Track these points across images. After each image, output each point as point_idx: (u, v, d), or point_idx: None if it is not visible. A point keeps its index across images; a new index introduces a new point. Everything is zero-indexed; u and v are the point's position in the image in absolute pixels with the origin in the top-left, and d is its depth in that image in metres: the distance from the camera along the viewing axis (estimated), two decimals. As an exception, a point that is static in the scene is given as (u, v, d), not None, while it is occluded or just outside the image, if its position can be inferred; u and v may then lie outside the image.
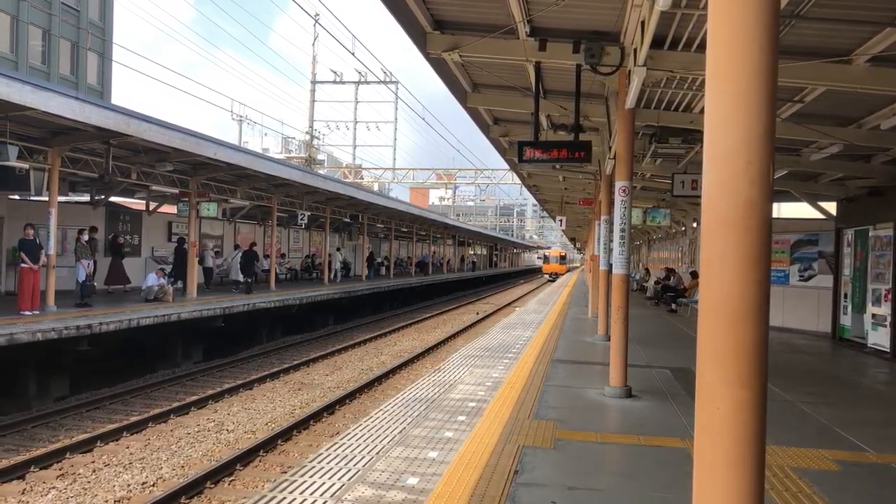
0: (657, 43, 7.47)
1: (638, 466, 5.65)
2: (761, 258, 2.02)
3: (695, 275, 19.87)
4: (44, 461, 8.80)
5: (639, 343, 12.30)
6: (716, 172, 2.07)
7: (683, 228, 25.26)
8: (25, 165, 12.85)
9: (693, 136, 11.07)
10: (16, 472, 8.38)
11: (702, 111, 9.44)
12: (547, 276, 72.02)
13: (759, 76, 2.01)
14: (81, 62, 38.15)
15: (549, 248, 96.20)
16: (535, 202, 49.34)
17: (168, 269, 19.89)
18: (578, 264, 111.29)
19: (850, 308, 14.02)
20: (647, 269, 33.25)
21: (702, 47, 7.49)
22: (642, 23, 6.78)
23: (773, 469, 5.35)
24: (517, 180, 33.15)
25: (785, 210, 20.32)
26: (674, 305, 21.08)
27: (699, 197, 2.11)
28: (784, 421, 7.12)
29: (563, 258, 77.60)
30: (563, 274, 71.44)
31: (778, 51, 2.04)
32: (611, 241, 10.86)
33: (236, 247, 24.38)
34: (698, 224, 20.37)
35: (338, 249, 33.87)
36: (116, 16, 41.23)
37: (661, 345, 13.38)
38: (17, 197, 16.41)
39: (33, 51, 35.05)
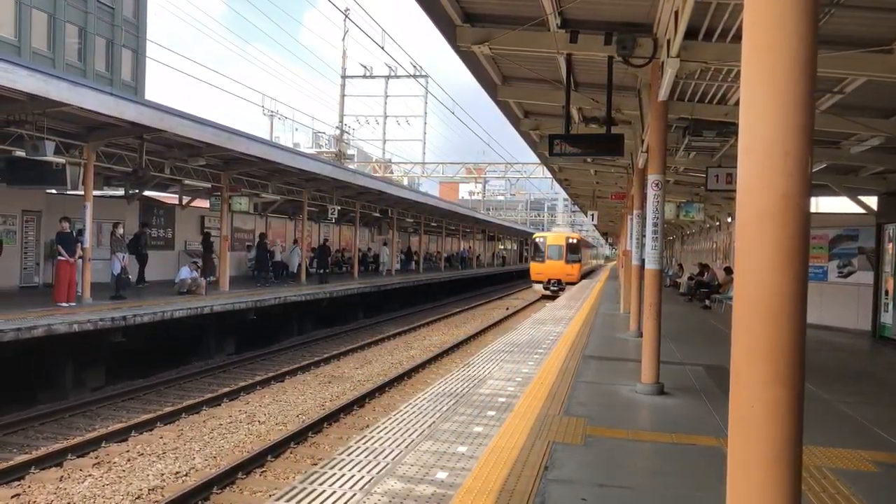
0: (691, 34, 7.34)
1: (670, 465, 5.57)
2: (798, 254, 1.96)
3: (729, 271, 19.58)
4: (81, 449, 8.98)
5: (672, 340, 12.15)
6: (751, 165, 2.01)
7: (718, 223, 24.90)
8: (62, 160, 13.10)
9: (728, 129, 10.87)
10: (54, 460, 8.57)
11: (737, 103, 9.26)
12: (541, 288, 38.12)
13: (796, 66, 1.95)
14: (116, 59, 38.74)
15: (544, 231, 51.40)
16: (567, 197, 48.87)
17: (200, 262, 20.15)
18: (604, 261, 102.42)
19: (891, 306, 13.70)
20: (680, 265, 32.86)
21: (738, 38, 7.34)
22: (676, 13, 6.66)
23: (809, 469, 5.24)
24: (548, 174, 32.88)
25: (823, 205, 19.92)
26: (707, 302, 20.81)
27: (734, 191, 2.06)
28: (822, 420, 6.96)
29: (572, 250, 39.27)
30: (574, 282, 37.99)
31: (817, 40, 1.97)
32: (643, 236, 10.73)
33: (295, 241, 26.06)
34: (733, 219, 20.07)
35: (384, 244, 34.58)
36: (150, 12, 41.75)
37: (694, 341, 13.20)
38: (54, 191, 16.72)
39: (70, 48, 35.67)
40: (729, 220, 22.62)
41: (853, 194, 14.94)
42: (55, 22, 34.40)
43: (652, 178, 8.38)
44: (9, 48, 30.54)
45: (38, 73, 10.59)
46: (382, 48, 33.89)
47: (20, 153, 12.41)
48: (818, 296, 15.15)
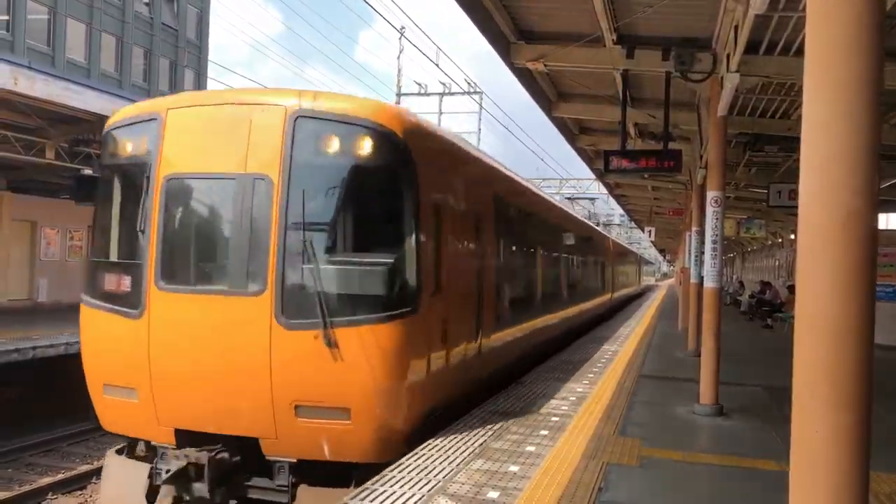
0: (752, 48, 7.19)
1: (728, 488, 5.40)
2: (864, 274, 1.88)
3: (792, 289, 19.01)
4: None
5: (731, 360, 11.77)
6: (814, 182, 1.95)
7: (780, 240, 24.24)
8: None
9: (791, 144, 10.62)
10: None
11: (801, 118, 9.02)
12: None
13: (861, 80, 1.88)
14: (179, 79, 40.06)
15: None
16: (623, 212, 48.22)
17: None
18: (656, 278, 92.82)
19: (967, 326, 13.07)
20: (741, 282, 32.07)
21: (801, 52, 7.16)
22: (735, 27, 6.54)
23: (880, 497, 5.01)
24: (604, 190, 32.54)
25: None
26: (769, 321, 20.23)
27: (797, 207, 2.00)
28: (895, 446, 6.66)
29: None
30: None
31: (883, 54, 1.90)
32: (702, 253, 10.51)
33: None
34: (797, 236, 19.50)
35: None
36: (212, 34, 43.09)
37: (755, 361, 12.82)
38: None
39: (136, 69, 37.08)
40: (792, 237, 22.00)
41: (926, 210, 14.37)
42: (122, 45, 35.81)
43: (711, 194, 8.19)
44: (79, 70, 31.89)
45: (106, 95, 11.06)
46: (437, 65, 34.11)
47: (87, 171, 12.90)
48: (890, 316, 14.53)
